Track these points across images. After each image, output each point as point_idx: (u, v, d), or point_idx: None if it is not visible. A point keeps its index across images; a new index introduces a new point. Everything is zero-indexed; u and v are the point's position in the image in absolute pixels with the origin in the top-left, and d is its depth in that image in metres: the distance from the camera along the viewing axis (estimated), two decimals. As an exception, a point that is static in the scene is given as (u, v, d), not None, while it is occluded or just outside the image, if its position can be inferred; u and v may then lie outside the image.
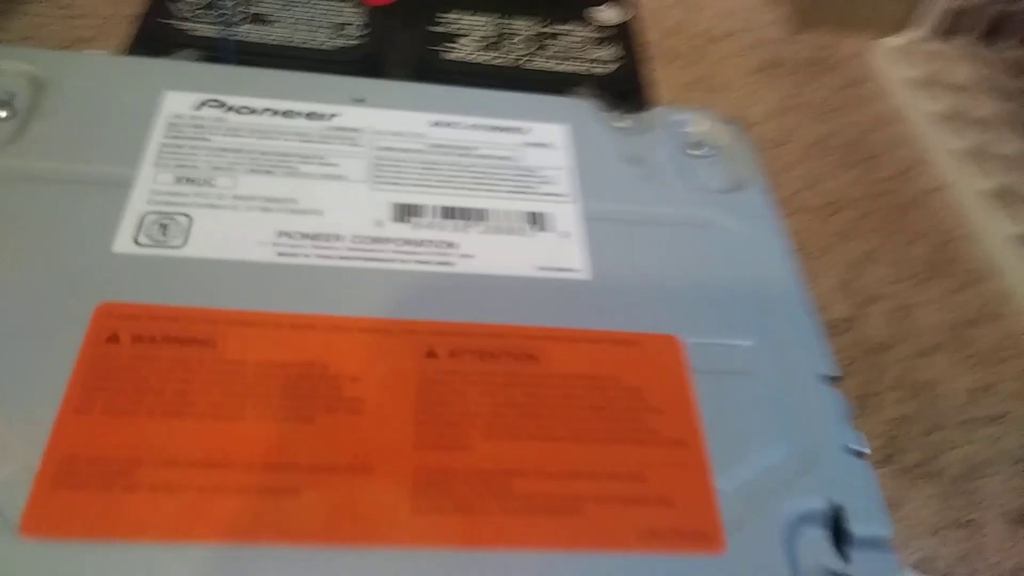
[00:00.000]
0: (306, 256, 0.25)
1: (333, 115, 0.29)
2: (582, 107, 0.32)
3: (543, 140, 0.30)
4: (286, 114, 0.29)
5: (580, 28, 0.43)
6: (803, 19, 0.87)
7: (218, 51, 0.38)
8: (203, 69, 0.30)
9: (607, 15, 0.50)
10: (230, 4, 0.39)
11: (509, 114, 0.31)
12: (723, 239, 0.28)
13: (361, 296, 0.24)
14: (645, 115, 0.31)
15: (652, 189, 0.29)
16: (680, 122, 0.32)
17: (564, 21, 0.42)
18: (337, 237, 0.26)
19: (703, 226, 0.28)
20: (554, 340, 0.24)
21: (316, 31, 0.37)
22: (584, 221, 0.28)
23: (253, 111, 0.29)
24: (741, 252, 0.28)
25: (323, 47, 0.36)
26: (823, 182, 0.74)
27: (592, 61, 0.43)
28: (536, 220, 0.27)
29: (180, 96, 0.29)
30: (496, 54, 0.39)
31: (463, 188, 0.28)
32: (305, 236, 0.25)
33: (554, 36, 0.41)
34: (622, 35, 0.46)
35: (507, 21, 0.41)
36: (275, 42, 0.36)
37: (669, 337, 0.25)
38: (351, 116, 0.29)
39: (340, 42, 0.36)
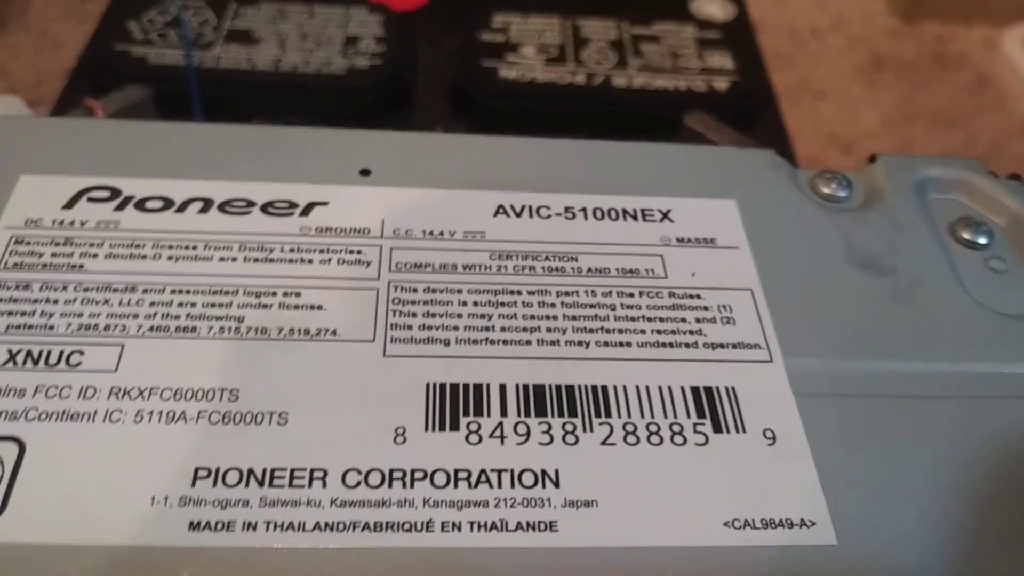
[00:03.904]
0: (250, 530, 0.12)
1: (315, 204, 0.16)
2: (752, 162, 0.18)
3: (699, 232, 0.17)
4: (229, 208, 0.16)
5: (677, 28, 0.33)
6: (910, 7, 0.72)
7: (178, 85, 0.27)
8: (98, 130, 0.18)
9: (710, 9, 0.37)
10: (197, 17, 0.28)
11: (627, 182, 0.17)
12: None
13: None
14: (868, 172, 0.18)
15: (918, 321, 0.15)
16: (931, 183, 0.18)
17: (653, 20, 0.32)
18: (316, 474, 0.12)
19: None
20: None
21: (316, 49, 0.28)
22: (798, 402, 0.14)
23: (170, 204, 0.16)
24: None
25: (326, 71, 0.27)
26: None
27: (702, 72, 0.31)
28: (708, 407, 0.14)
29: (42, 183, 0.16)
30: (566, 68, 0.30)
31: (559, 344, 0.15)
32: (248, 477, 0.12)
33: (645, 39, 0.32)
34: (731, 34, 0.34)
35: (576, 22, 0.32)
36: (261, 67, 0.27)
37: None
38: (348, 204, 0.16)
39: (349, 62, 0.27)
